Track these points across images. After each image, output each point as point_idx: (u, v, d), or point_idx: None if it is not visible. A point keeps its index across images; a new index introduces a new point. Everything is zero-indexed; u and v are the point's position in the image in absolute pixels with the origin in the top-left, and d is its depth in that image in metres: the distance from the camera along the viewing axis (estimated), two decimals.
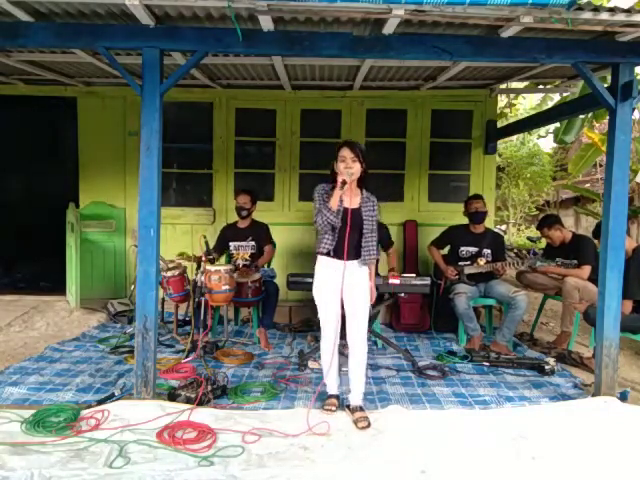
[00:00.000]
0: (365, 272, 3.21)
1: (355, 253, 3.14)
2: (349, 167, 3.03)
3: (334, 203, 3.02)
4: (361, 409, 3.13)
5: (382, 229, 4.99)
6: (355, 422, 3.04)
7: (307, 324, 5.36)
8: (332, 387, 3.30)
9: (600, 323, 3.50)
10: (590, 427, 3.09)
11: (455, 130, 6.03)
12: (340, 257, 3.09)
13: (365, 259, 3.15)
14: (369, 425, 3.01)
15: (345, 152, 3.07)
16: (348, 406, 3.20)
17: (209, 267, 4.26)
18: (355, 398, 3.16)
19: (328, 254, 3.14)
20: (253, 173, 6.03)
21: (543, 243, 6.11)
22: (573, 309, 4.64)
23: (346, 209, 3.10)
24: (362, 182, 3.18)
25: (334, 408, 3.19)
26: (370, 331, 4.45)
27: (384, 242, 4.84)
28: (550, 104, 8.94)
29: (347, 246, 3.04)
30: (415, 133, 6.00)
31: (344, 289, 3.12)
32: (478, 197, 4.95)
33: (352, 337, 3.17)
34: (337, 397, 3.30)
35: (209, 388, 3.33)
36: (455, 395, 3.61)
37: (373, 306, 4.28)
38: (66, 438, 2.78)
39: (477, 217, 4.87)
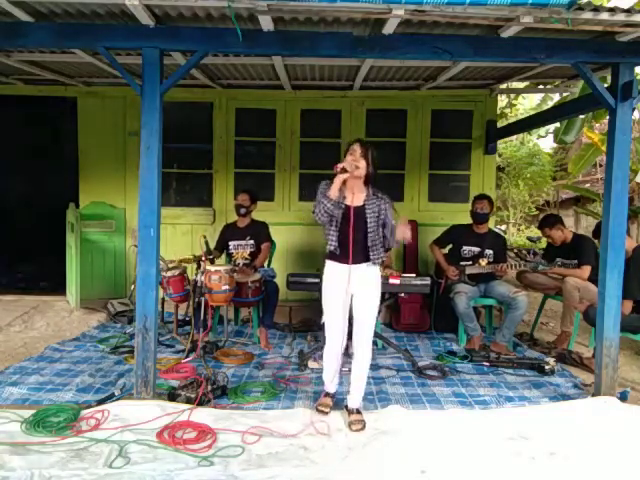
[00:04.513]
0: (374, 275, 3.12)
1: (362, 255, 3.06)
2: (356, 160, 3.01)
3: (333, 191, 2.96)
4: (358, 412, 3.11)
5: None
6: (349, 424, 3.02)
7: (307, 324, 5.36)
8: (330, 385, 3.25)
9: (600, 323, 3.50)
10: (590, 427, 3.09)
11: (455, 130, 6.03)
12: (345, 260, 3.04)
13: (375, 260, 3.07)
14: (363, 428, 3.00)
15: (356, 146, 3.05)
16: (346, 406, 3.19)
17: (209, 267, 4.26)
18: (354, 400, 3.14)
19: (334, 257, 3.10)
20: (253, 173, 6.03)
21: (543, 243, 6.11)
22: (573, 309, 4.64)
23: (348, 207, 3.05)
24: (369, 181, 3.11)
25: (328, 409, 3.16)
26: None
27: None
28: (550, 104, 8.93)
29: (352, 247, 3.00)
30: (415, 133, 6.01)
31: (353, 292, 3.09)
32: (483, 197, 4.95)
33: (358, 341, 3.13)
34: (332, 396, 3.28)
35: (209, 388, 3.33)
36: (455, 395, 3.61)
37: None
38: (66, 438, 2.78)
39: (477, 217, 4.87)
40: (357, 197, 3.09)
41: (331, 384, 3.25)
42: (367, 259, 3.08)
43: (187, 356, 4.18)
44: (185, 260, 4.61)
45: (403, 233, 3.07)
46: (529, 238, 8.09)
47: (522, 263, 4.90)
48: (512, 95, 10.14)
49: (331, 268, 3.13)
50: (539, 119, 5.95)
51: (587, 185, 11.28)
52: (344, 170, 2.96)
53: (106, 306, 5.67)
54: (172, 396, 3.30)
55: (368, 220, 3.06)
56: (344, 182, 3.03)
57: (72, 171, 6.23)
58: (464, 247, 4.93)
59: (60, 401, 3.31)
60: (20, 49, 4.33)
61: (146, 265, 3.25)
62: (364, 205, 3.09)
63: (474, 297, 4.75)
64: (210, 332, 4.54)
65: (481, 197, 4.96)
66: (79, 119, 5.98)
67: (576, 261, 4.74)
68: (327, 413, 3.14)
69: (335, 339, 3.13)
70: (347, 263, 3.04)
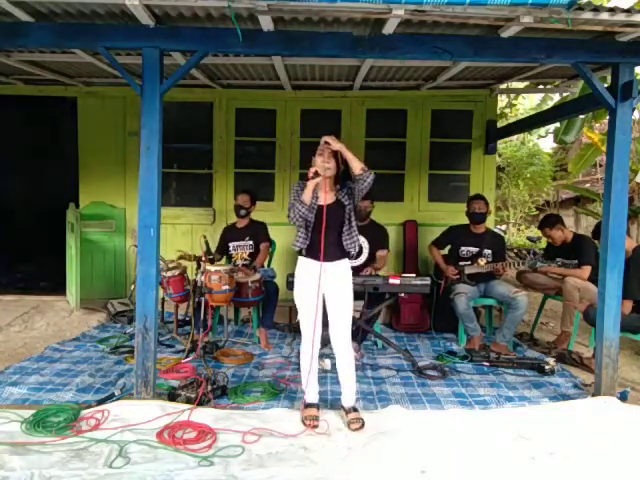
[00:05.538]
0: (346, 272, 3.11)
1: (334, 253, 3.05)
2: (325, 162, 3.00)
3: (307, 196, 2.96)
4: (355, 410, 3.09)
5: (380, 231, 4.98)
6: (348, 424, 3.01)
7: None
8: (312, 395, 3.15)
9: (600, 323, 3.50)
10: (590, 427, 3.09)
11: (455, 130, 6.03)
12: (317, 258, 3.02)
13: (349, 247, 3.07)
14: (362, 426, 2.98)
15: (324, 146, 3.02)
16: (343, 407, 3.17)
17: (209, 267, 4.26)
18: (347, 399, 3.13)
19: (303, 253, 3.10)
20: (253, 173, 6.03)
21: (543, 243, 6.11)
22: (573, 309, 4.64)
23: (321, 206, 3.02)
24: (339, 180, 3.10)
25: (317, 422, 3.01)
26: (370, 331, 4.46)
27: (378, 243, 4.83)
28: (550, 104, 8.94)
29: (323, 246, 2.97)
30: (415, 133, 6.01)
31: (325, 291, 3.09)
32: (479, 197, 4.94)
33: (335, 340, 3.11)
34: (317, 406, 3.14)
35: (209, 388, 3.33)
36: (455, 395, 3.61)
37: (371, 305, 4.27)
38: (66, 438, 2.78)
39: (475, 217, 4.87)
40: (329, 195, 3.08)
41: (311, 392, 3.15)
42: (338, 257, 3.08)
43: (187, 356, 4.18)
44: (184, 256, 4.60)
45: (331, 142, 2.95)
46: (529, 238, 8.10)
47: (520, 262, 4.89)
48: (512, 95, 10.15)
49: (302, 266, 3.13)
50: (539, 119, 5.95)
51: (587, 185, 11.28)
52: (316, 174, 2.96)
53: (106, 306, 5.67)
54: (172, 396, 3.29)
55: (346, 209, 3.06)
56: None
57: (72, 171, 6.23)
58: (462, 248, 4.92)
59: (60, 401, 3.31)
60: (20, 49, 4.33)
61: (146, 265, 3.25)
62: (338, 200, 3.09)
63: (474, 297, 4.75)
64: (210, 332, 4.54)
65: (477, 197, 4.96)
66: (79, 119, 5.98)
67: (576, 261, 4.73)
68: (317, 426, 2.99)
69: (309, 338, 3.10)
70: (319, 260, 3.02)
